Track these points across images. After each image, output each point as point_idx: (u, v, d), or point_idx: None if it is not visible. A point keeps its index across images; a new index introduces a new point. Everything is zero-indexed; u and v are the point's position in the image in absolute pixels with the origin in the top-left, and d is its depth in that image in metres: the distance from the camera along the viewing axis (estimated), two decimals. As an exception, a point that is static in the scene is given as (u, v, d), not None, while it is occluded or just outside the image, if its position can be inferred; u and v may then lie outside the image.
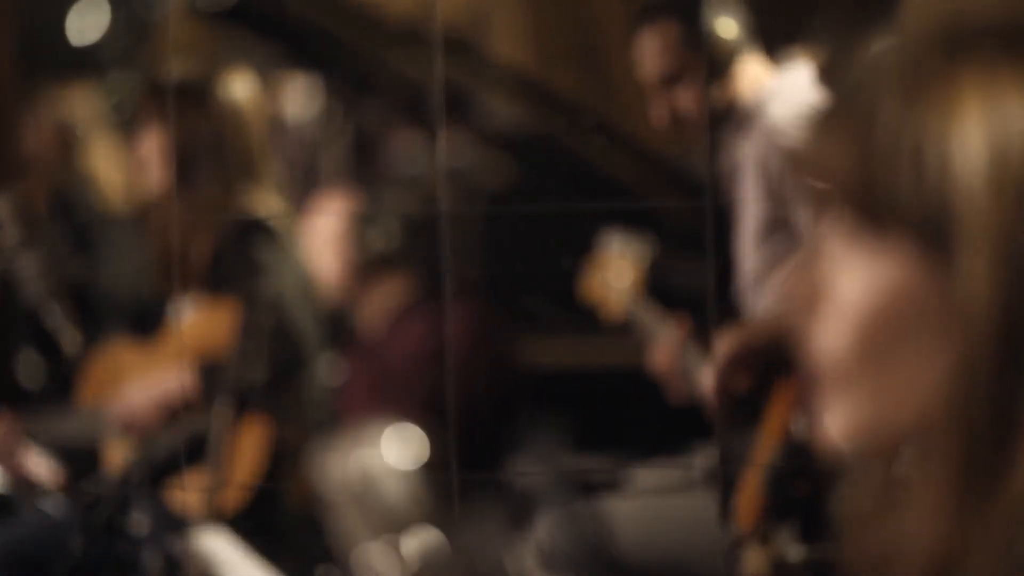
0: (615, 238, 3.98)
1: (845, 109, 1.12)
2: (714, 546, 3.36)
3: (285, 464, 3.59)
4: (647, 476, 3.67)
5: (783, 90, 3.51)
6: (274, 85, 4.85)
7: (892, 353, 1.10)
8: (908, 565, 1.07)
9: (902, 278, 1.09)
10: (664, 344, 3.66)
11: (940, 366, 1.07)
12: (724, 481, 3.48)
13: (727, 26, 3.55)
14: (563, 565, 3.34)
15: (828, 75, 3.40)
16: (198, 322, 3.71)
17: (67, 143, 4.91)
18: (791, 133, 3.37)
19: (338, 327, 4.30)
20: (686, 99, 3.57)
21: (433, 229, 4.40)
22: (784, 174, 3.39)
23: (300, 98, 5.39)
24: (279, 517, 3.61)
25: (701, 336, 3.59)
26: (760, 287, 3.55)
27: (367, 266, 4.42)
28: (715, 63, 3.55)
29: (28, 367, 4.32)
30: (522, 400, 4.43)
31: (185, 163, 3.69)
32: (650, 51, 3.59)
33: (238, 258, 3.65)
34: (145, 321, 3.90)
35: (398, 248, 4.44)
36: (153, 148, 3.75)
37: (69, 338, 4.05)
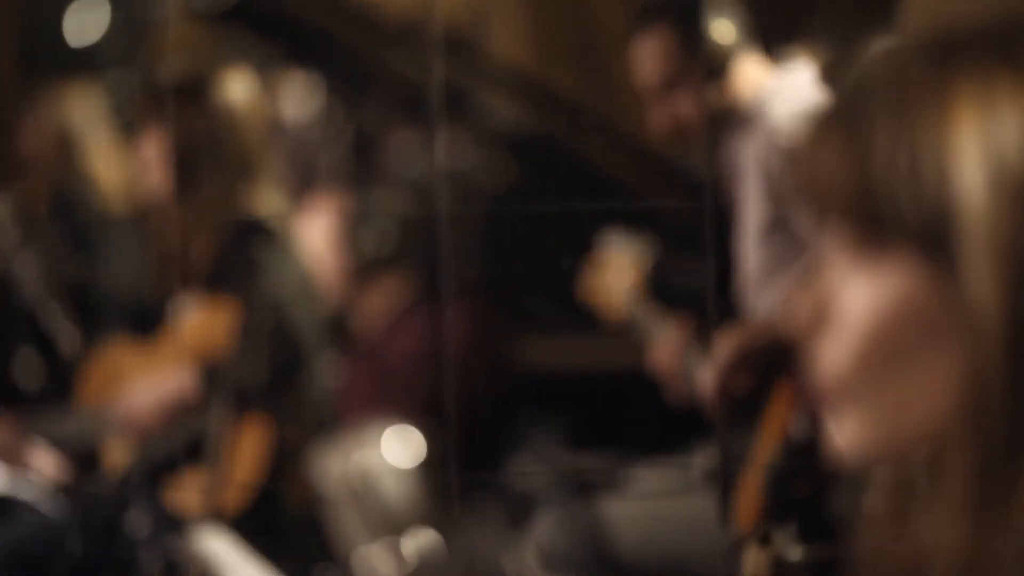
0: (615, 238, 3.98)
1: (840, 121, 1.12)
2: (714, 546, 3.36)
3: (285, 464, 3.59)
4: (647, 477, 3.66)
5: (783, 90, 3.51)
6: (273, 85, 4.85)
7: (901, 365, 1.09)
8: (942, 571, 1.06)
9: (906, 289, 1.08)
10: (665, 344, 3.66)
11: (950, 375, 1.07)
12: (724, 481, 3.48)
13: (725, 28, 3.55)
14: (563, 565, 3.34)
15: (830, 75, 3.40)
16: (198, 322, 3.71)
17: (67, 143, 4.91)
18: (791, 134, 3.37)
19: (338, 327, 4.30)
20: (685, 104, 3.56)
21: (432, 229, 4.40)
22: (784, 175, 3.39)
23: (299, 98, 5.39)
24: (279, 517, 3.60)
25: (701, 336, 3.59)
26: (760, 287, 3.55)
27: (366, 266, 4.42)
28: (714, 65, 3.54)
29: (28, 367, 4.32)
30: (522, 400, 4.43)
31: (185, 163, 3.68)
32: (647, 57, 3.59)
33: (238, 258, 3.64)
34: (145, 321, 3.89)
35: (396, 248, 4.44)
36: (153, 148, 3.74)
37: (69, 338, 4.05)
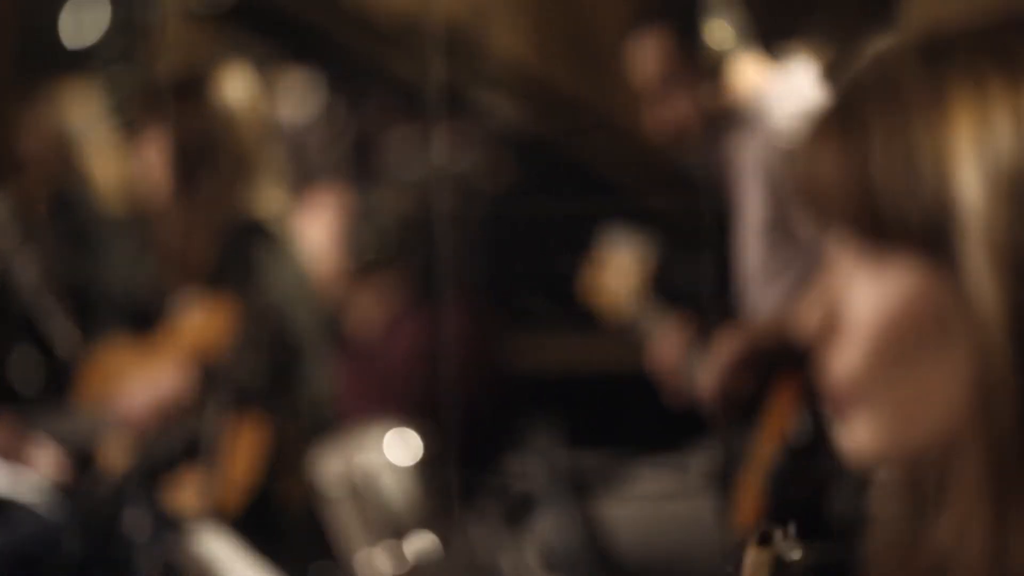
0: (616, 238, 3.98)
1: (836, 125, 1.12)
2: (713, 547, 3.36)
3: (284, 464, 3.58)
4: (646, 477, 3.66)
5: (782, 90, 3.51)
6: (273, 85, 4.85)
7: (910, 366, 1.09)
8: (965, 569, 1.06)
9: (911, 290, 1.08)
10: (665, 343, 3.65)
11: (959, 374, 1.07)
12: (724, 482, 3.47)
13: (724, 28, 3.54)
14: (563, 565, 3.33)
15: (830, 74, 3.39)
16: (196, 321, 3.70)
17: (65, 143, 4.90)
18: (790, 135, 3.37)
19: (336, 328, 4.30)
20: (682, 103, 3.55)
21: (430, 229, 4.40)
22: (784, 177, 3.38)
23: (299, 98, 5.39)
24: (278, 517, 3.60)
25: (702, 335, 3.59)
26: (760, 287, 3.55)
27: (364, 266, 4.42)
28: (712, 65, 3.54)
29: (26, 366, 4.31)
30: (521, 400, 4.43)
31: (184, 163, 3.68)
32: (645, 56, 3.58)
33: (237, 258, 3.64)
34: (143, 320, 3.89)
35: (395, 248, 4.44)
36: (152, 148, 3.74)
37: (67, 337, 4.04)
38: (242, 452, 3.55)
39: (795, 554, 0.94)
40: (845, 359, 1.11)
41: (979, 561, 1.05)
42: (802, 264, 3.41)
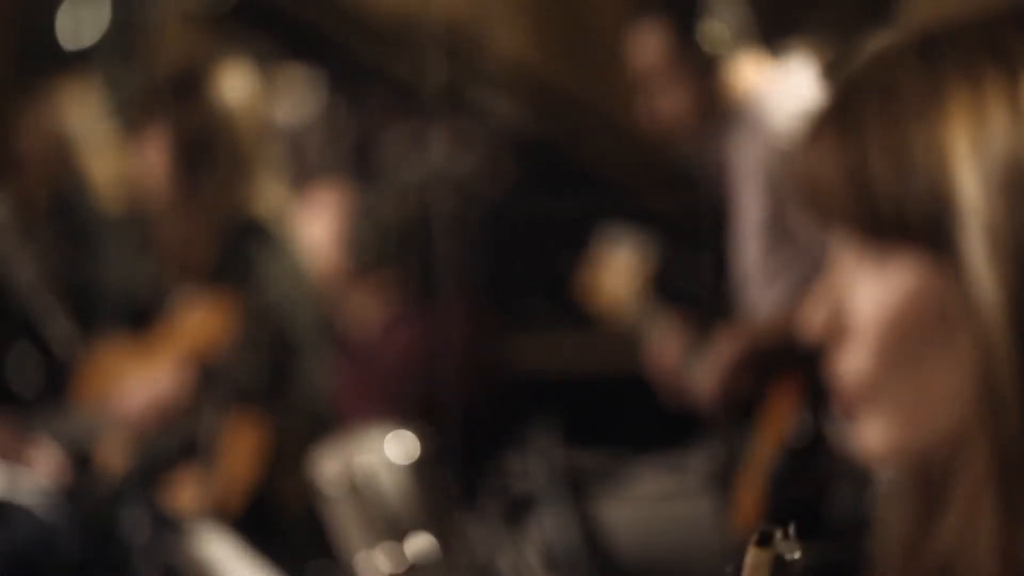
0: (616, 238, 3.97)
1: (833, 124, 1.12)
2: (713, 547, 3.35)
3: (283, 464, 3.58)
4: (646, 477, 3.66)
5: (781, 89, 3.50)
6: (272, 83, 4.85)
7: (917, 363, 1.09)
8: (975, 565, 1.06)
9: (913, 287, 1.08)
10: (665, 344, 3.65)
11: (965, 369, 1.07)
12: (724, 482, 3.47)
13: (723, 26, 3.54)
14: (563, 565, 3.33)
15: (830, 72, 3.39)
16: (195, 321, 3.70)
17: (64, 143, 4.90)
18: (789, 134, 3.36)
19: (335, 327, 4.29)
20: (678, 98, 3.55)
21: (429, 229, 4.40)
22: (783, 176, 3.38)
23: (299, 96, 5.39)
24: (278, 517, 3.59)
25: (701, 336, 3.58)
26: (760, 286, 3.54)
27: (363, 265, 4.41)
28: (711, 60, 3.53)
29: (25, 366, 4.31)
30: (521, 400, 4.42)
31: (184, 162, 3.68)
32: (643, 46, 3.57)
33: (236, 257, 3.63)
34: (142, 320, 3.89)
35: (394, 248, 4.43)
36: (152, 147, 3.74)
37: (66, 337, 4.04)
38: (241, 452, 3.55)
39: (795, 554, 0.94)
40: (851, 359, 1.11)
41: (985, 559, 1.05)
42: (801, 263, 3.41)
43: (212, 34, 5.23)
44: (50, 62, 5.60)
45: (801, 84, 3.48)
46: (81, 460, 3.66)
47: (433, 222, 4.44)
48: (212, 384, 3.50)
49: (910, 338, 1.09)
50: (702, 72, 3.52)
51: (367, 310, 4.44)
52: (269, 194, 3.73)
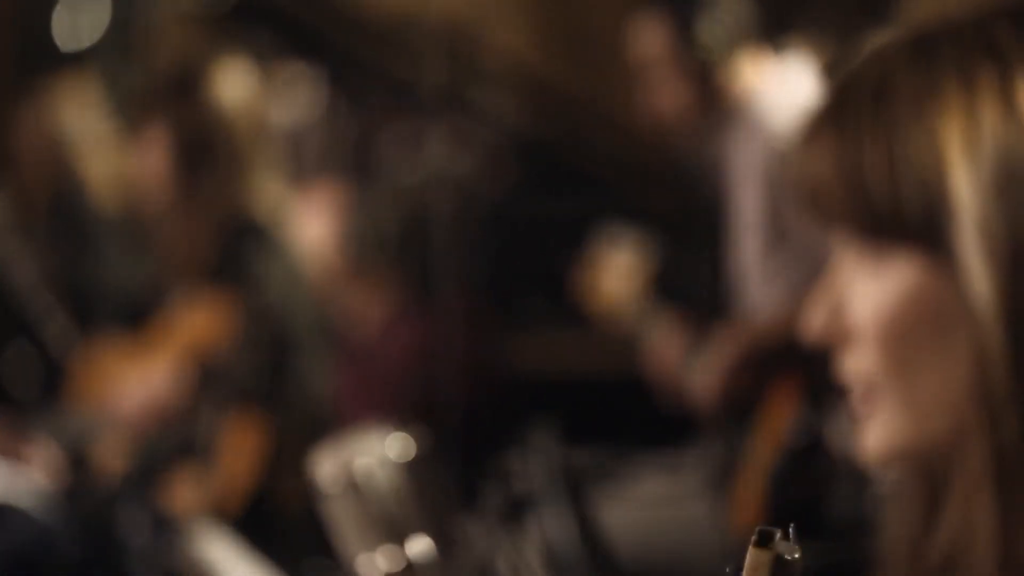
0: (616, 238, 3.97)
1: (829, 125, 1.12)
2: (713, 547, 3.35)
3: (283, 464, 3.58)
4: (646, 477, 3.65)
5: (780, 88, 3.50)
6: (272, 83, 4.84)
7: (918, 363, 1.09)
8: (975, 563, 1.06)
9: (912, 286, 1.08)
10: (665, 344, 3.65)
11: (963, 368, 1.07)
12: (723, 482, 3.47)
13: (723, 20, 3.53)
14: (562, 565, 3.33)
15: (831, 71, 3.39)
16: (193, 320, 3.70)
17: (63, 143, 4.90)
18: (787, 133, 3.36)
19: (334, 327, 4.29)
20: (678, 92, 3.54)
21: (428, 228, 4.39)
22: (781, 176, 3.38)
23: (298, 96, 5.38)
24: (278, 517, 3.59)
25: (700, 336, 3.58)
26: (759, 286, 3.54)
27: (362, 265, 4.41)
28: (710, 57, 3.53)
29: (23, 366, 4.31)
30: (520, 400, 4.42)
31: (183, 161, 3.68)
32: (643, 40, 3.57)
33: (235, 256, 3.63)
34: (141, 320, 3.88)
35: (393, 247, 4.43)
36: (151, 147, 3.73)
37: (64, 337, 4.04)
38: (240, 452, 3.54)
39: (795, 554, 0.93)
40: (854, 360, 1.11)
41: (984, 557, 1.05)
42: (800, 262, 3.41)
43: (211, 34, 5.23)
44: (49, 62, 5.60)
45: (800, 81, 3.47)
46: (79, 460, 3.66)
47: (433, 222, 4.44)
48: (210, 384, 3.50)
49: (909, 339, 1.08)
50: (701, 68, 3.52)
51: (367, 310, 4.44)
52: (268, 193, 3.73)
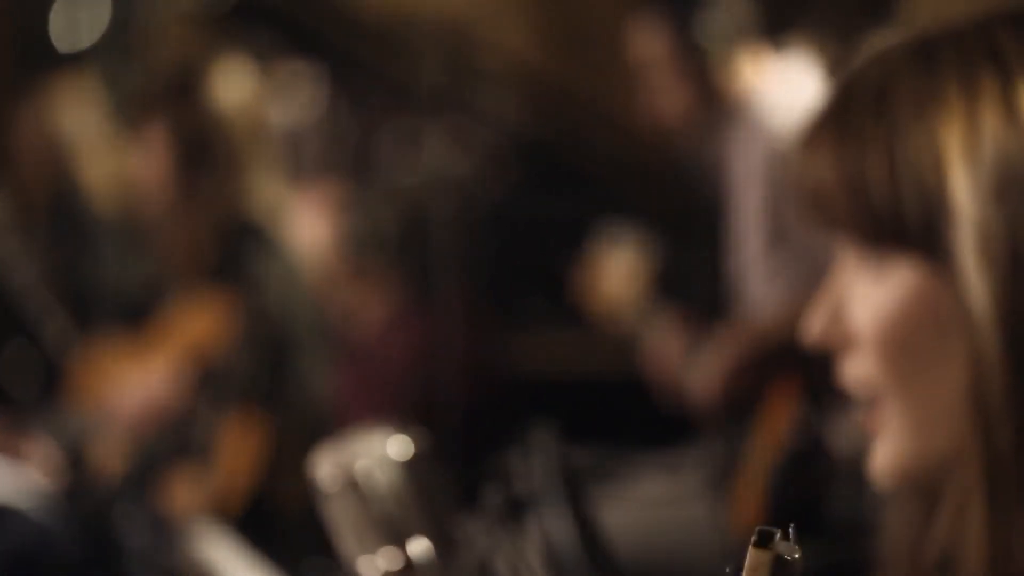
0: (615, 238, 3.97)
1: (830, 129, 1.11)
2: (712, 548, 3.35)
3: (283, 464, 3.57)
4: (646, 477, 3.65)
5: (782, 88, 3.50)
6: (271, 83, 4.84)
7: (919, 371, 1.09)
8: (968, 565, 1.06)
9: (912, 292, 1.08)
10: (665, 344, 3.64)
11: (961, 375, 1.06)
12: (723, 482, 3.47)
13: (724, 19, 3.53)
14: (562, 565, 3.32)
15: (833, 72, 3.39)
16: (192, 320, 3.69)
17: (62, 143, 4.90)
18: (789, 134, 3.36)
19: (334, 327, 4.29)
20: (679, 92, 3.54)
21: (428, 228, 4.39)
22: (783, 179, 3.37)
23: (297, 96, 5.38)
24: (277, 517, 3.59)
25: (700, 336, 3.58)
26: (760, 287, 3.54)
27: (362, 265, 4.41)
28: (711, 56, 3.52)
29: (21, 366, 4.30)
30: (520, 400, 4.42)
31: (183, 161, 3.68)
32: (644, 40, 3.57)
33: (234, 256, 3.63)
34: (140, 320, 3.88)
35: (393, 247, 4.43)
36: (151, 147, 3.73)
37: (62, 337, 4.04)
38: (240, 452, 3.54)
39: (795, 554, 0.93)
40: (854, 365, 1.11)
41: (976, 559, 1.05)
42: (801, 262, 3.41)
43: (211, 34, 5.23)
44: (49, 62, 5.60)
45: (800, 81, 3.47)
46: (78, 460, 3.66)
47: (432, 222, 4.44)
48: (210, 384, 3.50)
49: (910, 344, 1.08)
50: (701, 68, 3.51)
51: (367, 310, 4.44)
52: (267, 194, 3.72)
